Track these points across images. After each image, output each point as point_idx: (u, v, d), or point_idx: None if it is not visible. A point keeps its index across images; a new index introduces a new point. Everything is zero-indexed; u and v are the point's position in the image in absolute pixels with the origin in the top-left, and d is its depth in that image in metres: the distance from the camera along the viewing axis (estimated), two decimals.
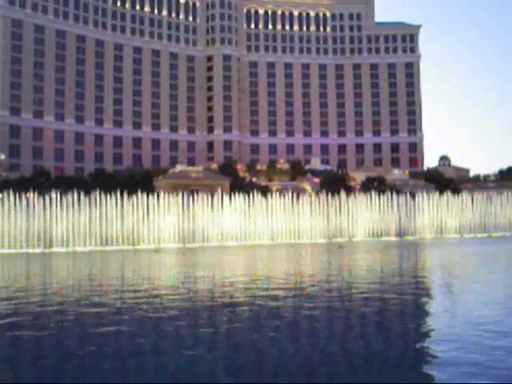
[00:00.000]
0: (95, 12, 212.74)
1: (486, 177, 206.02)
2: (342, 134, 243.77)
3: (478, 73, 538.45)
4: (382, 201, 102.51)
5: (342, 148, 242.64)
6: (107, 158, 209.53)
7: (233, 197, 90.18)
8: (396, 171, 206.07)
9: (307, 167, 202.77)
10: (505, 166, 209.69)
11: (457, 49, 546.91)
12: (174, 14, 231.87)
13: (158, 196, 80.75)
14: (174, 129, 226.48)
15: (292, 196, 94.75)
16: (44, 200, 75.63)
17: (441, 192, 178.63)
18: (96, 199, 77.92)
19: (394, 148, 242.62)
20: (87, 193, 76.89)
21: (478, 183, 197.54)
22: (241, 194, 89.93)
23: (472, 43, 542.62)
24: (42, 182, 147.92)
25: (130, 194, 79.11)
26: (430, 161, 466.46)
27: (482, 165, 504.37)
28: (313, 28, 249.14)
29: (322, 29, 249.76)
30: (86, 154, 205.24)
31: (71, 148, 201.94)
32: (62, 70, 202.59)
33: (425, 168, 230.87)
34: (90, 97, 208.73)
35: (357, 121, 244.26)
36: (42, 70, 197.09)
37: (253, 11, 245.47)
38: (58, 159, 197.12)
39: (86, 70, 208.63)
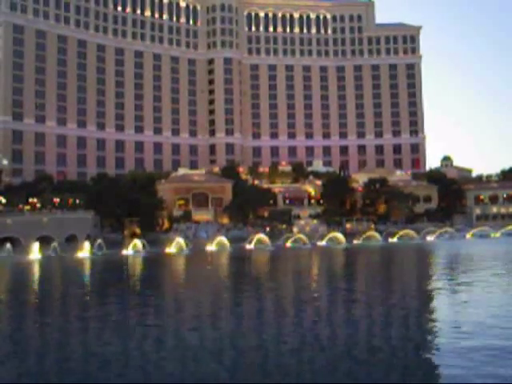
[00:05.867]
0: (96, 17, 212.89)
1: (489, 177, 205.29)
2: (343, 135, 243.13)
3: (480, 73, 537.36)
4: None
5: (343, 150, 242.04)
6: (109, 162, 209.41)
7: None
8: (398, 172, 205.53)
9: (309, 169, 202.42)
10: (507, 166, 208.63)
11: (458, 49, 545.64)
12: (174, 18, 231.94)
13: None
14: (175, 132, 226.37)
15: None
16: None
17: (444, 193, 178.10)
18: None
19: (396, 149, 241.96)
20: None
21: (481, 183, 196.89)
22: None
23: (473, 43, 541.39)
24: (44, 186, 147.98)
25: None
26: (433, 161, 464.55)
27: (485, 165, 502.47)
28: (313, 30, 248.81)
29: (322, 31, 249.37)
30: (88, 159, 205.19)
31: (73, 153, 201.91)
32: (64, 75, 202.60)
33: (427, 169, 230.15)
34: (91, 101, 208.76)
35: (358, 122, 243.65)
36: (43, 75, 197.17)
37: (253, 14, 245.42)
38: (60, 164, 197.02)
39: (87, 75, 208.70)
